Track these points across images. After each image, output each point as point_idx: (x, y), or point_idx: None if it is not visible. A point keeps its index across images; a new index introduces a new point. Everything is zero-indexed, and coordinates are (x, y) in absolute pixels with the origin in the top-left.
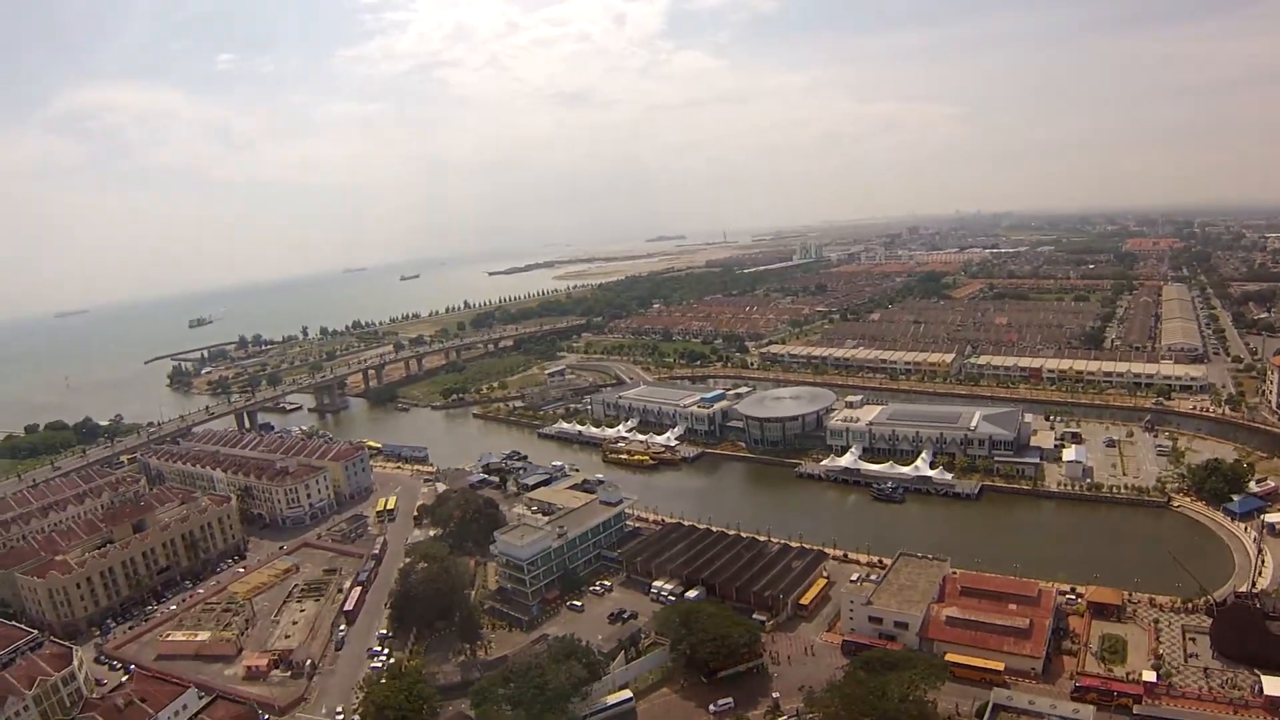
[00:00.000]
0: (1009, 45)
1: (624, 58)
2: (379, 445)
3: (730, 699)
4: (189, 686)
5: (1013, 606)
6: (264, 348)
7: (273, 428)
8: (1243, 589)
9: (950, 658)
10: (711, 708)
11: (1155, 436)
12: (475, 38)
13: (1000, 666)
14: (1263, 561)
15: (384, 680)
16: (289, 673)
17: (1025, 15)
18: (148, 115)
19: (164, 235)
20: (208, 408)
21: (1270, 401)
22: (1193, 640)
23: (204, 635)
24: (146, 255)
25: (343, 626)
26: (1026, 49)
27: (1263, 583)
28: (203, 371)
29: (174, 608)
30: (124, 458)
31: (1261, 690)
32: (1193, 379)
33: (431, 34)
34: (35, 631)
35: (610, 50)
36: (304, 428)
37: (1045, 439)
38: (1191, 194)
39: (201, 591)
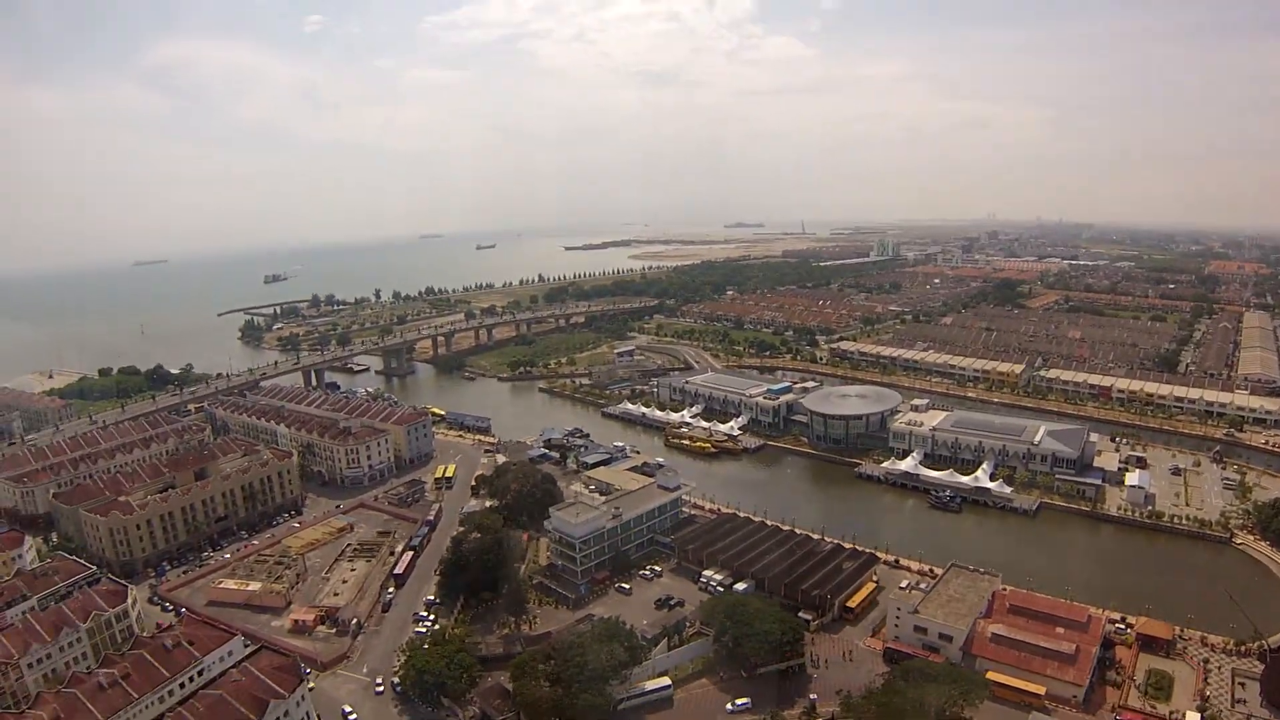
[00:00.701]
0: (1105, 48)
1: (712, 39)
2: (443, 412)
3: (748, 699)
4: (236, 634)
5: (1060, 630)
6: (336, 308)
7: (339, 387)
8: None
9: (992, 676)
10: (729, 707)
11: (1223, 469)
12: (564, 10)
13: (1042, 690)
14: None
15: (427, 646)
16: (334, 630)
17: (1125, 17)
18: (235, 72)
19: (245, 191)
20: (276, 363)
21: None
22: (1241, 685)
23: (255, 586)
24: (226, 210)
25: (391, 589)
26: (1124, 53)
27: None
28: (274, 327)
29: (228, 556)
30: (191, 406)
31: None
32: (1268, 412)
33: (520, 3)
34: (94, 568)
35: (699, 31)
36: (370, 389)
37: (1109, 460)
38: None
39: (256, 543)
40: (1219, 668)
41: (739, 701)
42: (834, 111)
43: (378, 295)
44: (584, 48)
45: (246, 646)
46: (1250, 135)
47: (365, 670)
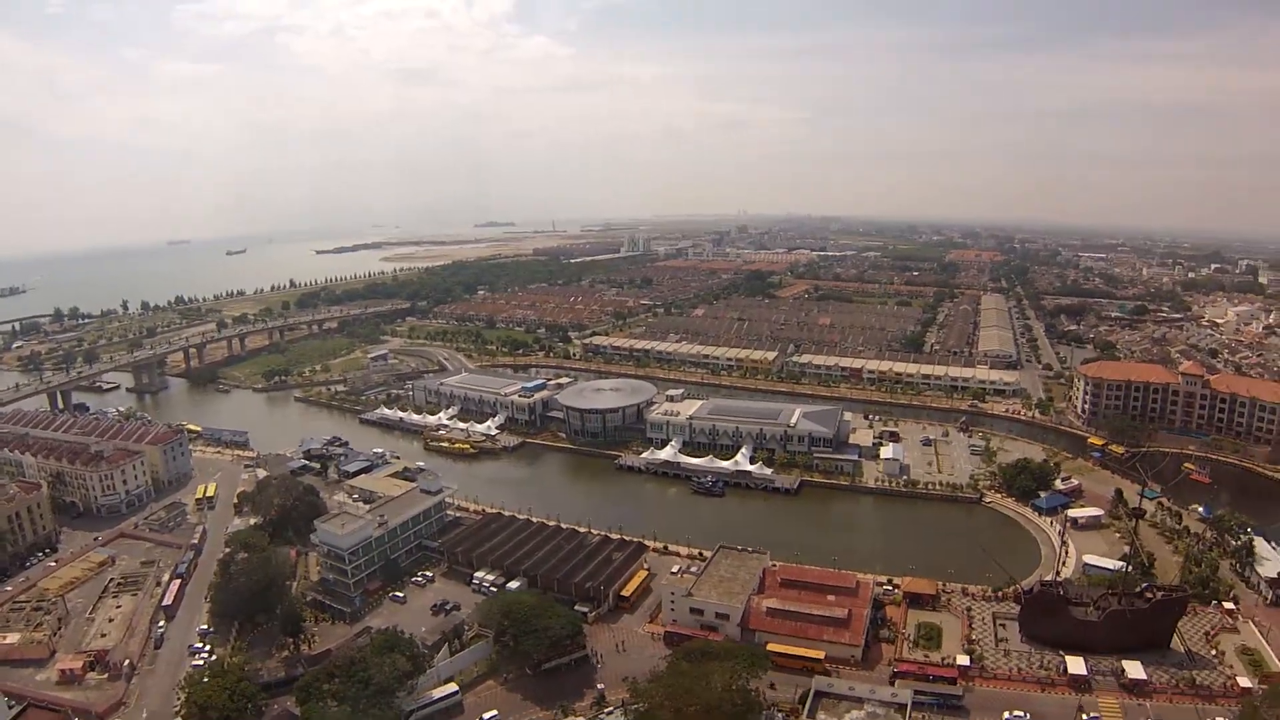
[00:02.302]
0: (854, 57)
1: (470, 38)
2: (199, 428)
3: (495, 711)
4: None
5: (831, 597)
6: (81, 322)
7: (88, 408)
8: (1048, 578)
9: (772, 647)
10: None
11: (969, 437)
12: (321, 3)
13: (821, 655)
14: (1066, 552)
15: (206, 679)
16: (106, 675)
17: (872, 30)
18: None
19: None
20: (18, 385)
21: (1076, 406)
22: (1003, 626)
23: (13, 637)
24: None
25: (162, 623)
26: (871, 62)
27: (1066, 572)
28: (13, 346)
29: None
30: None
31: (1066, 669)
32: (1006, 384)
33: None
34: None
35: (456, 29)
36: (121, 409)
37: (864, 437)
38: (1014, 212)
39: (9, 589)
40: (981, 614)
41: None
42: (590, 111)
43: (125, 306)
44: (342, 43)
45: (11, 707)
46: (987, 138)
47: (145, 715)
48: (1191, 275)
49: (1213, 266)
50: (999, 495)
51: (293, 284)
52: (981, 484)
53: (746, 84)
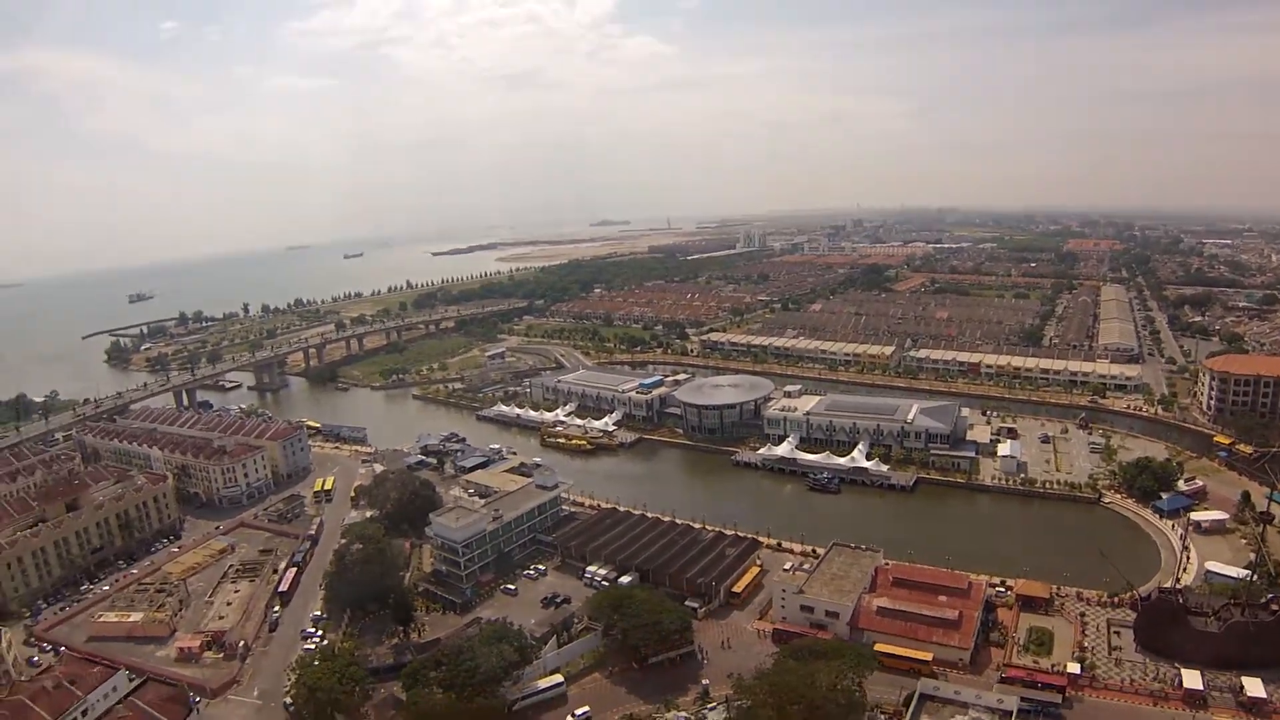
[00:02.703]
0: (962, 43)
1: (573, 40)
2: (318, 425)
3: (587, 707)
4: (119, 668)
5: (943, 598)
6: (204, 324)
7: (211, 406)
8: (1167, 585)
9: (879, 648)
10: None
11: (1089, 434)
12: (423, 15)
13: (928, 657)
14: (1187, 558)
15: (316, 662)
16: (221, 654)
17: (980, 13)
18: (86, 81)
19: (102, 206)
20: (146, 384)
21: (1201, 403)
22: (1117, 634)
23: (136, 616)
24: (83, 226)
25: (277, 608)
26: (980, 48)
27: (1186, 579)
28: (142, 348)
29: (107, 588)
30: (59, 435)
31: (1181, 683)
32: (1127, 379)
33: (380, 9)
34: None
35: (559, 32)
36: (243, 406)
37: (981, 434)
38: (1133, 198)
39: (135, 572)
40: (1095, 620)
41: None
42: (696, 109)
43: (246, 310)
44: (445, 53)
45: (131, 680)
46: (1104, 122)
47: (256, 693)
48: None
49: None
50: (1119, 495)
51: (409, 285)
52: (1100, 483)
53: (852, 76)
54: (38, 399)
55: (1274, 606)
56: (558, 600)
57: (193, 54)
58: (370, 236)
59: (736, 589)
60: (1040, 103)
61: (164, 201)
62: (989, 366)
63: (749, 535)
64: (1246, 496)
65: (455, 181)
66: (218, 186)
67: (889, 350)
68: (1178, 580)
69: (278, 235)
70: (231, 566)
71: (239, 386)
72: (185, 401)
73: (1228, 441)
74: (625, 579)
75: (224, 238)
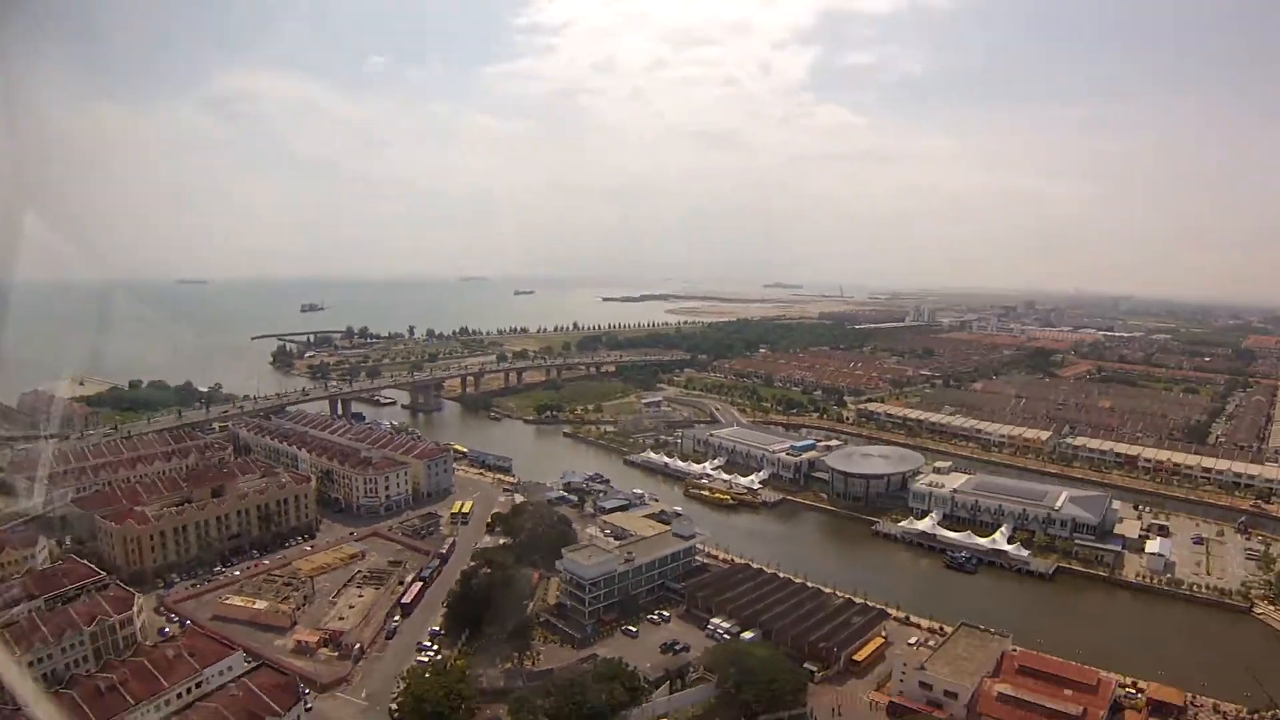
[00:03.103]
0: (1155, 125)
1: (765, 104)
2: (465, 450)
3: None
4: (237, 649)
5: (1068, 692)
6: (369, 341)
7: (364, 418)
8: None
9: None
10: None
11: (1247, 539)
12: (622, 70)
13: None
14: None
15: (428, 674)
16: (337, 653)
17: (1181, 99)
18: (294, 105)
19: (292, 220)
20: (305, 389)
21: None
22: None
23: (261, 604)
24: (272, 237)
25: (397, 617)
26: (1171, 132)
27: None
28: (306, 355)
29: (237, 574)
30: (216, 425)
31: None
32: None
33: (580, 60)
34: (104, 574)
35: (753, 96)
36: (394, 422)
37: (1131, 528)
38: None
39: (267, 563)
40: None
41: None
42: (881, 181)
43: (411, 331)
44: (639, 107)
45: (247, 663)
46: None
47: (364, 695)
48: None
49: None
50: (1272, 607)
51: (575, 326)
52: (1254, 592)
53: (1039, 157)
54: (202, 389)
55: None
56: (677, 648)
57: (395, 88)
58: (545, 275)
59: (857, 657)
60: (1232, 193)
61: (353, 222)
62: (1147, 460)
63: (878, 605)
64: None
65: (637, 231)
66: (408, 212)
67: (1045, 435)
68: None
69: (454, 264)
70: (359, 572)
71: (394, 404)
72: (339, 410)
73: None
74: (748, 634)
75: (403, 260)
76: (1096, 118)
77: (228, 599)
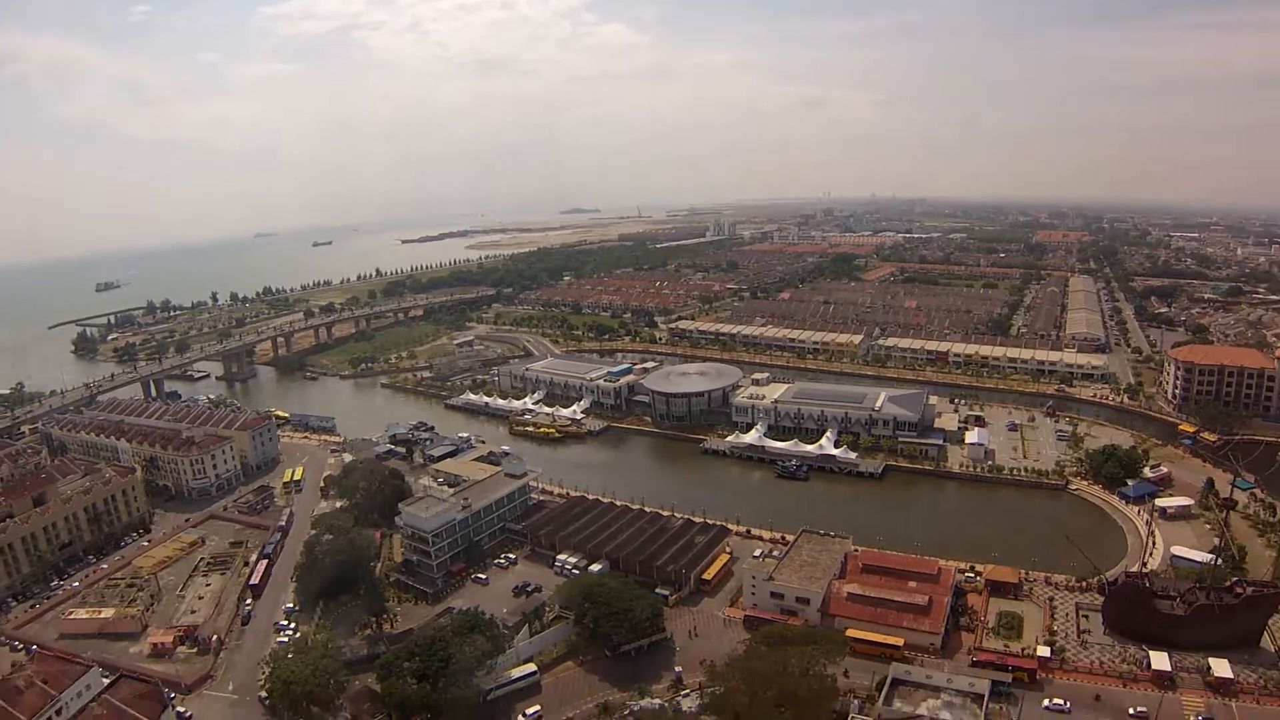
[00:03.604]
0: (933, 35)
1: (547, 27)
2: (286, 415)
3: (538, 707)
4: (92, 666)
5: (913, 584)
6: (172, 314)
7: (179, 396)
8: (1134, 569)
9: (851, 633)
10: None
11: (1056, 422)
12: (398, 1)
13: (900, 642)
14: (1153, 543)
15: (290, 655)
16: (195, 649)
17: (958, 6)
18: (55, 66)
19: (70, 192)
20: (113, 375)
21: (1166, 392)
22: (1085, 617)
23: (108, 612)
24: (51, 213)
25: (249, 600)
26: (951, 42)
27: (1153, 563)
28: (109, 338)
29: (77, 584)
30: (25, 428)
31: (1149, 665)
32: (1094, 368)
33: None
34: None
35: (533, 19)
36: (211, 396)
37: (949, 421)
38: (1102, 192)
39: (105, 567)
40: (1064, 604)
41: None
42: (669, 97)
43: (215, 298)
44: (418, 39)
45: (105, 677)
46: (1072, 116)
47: (231, 688)
48: None
49: None
50: (1085, 482)
51: (379, 273)
52: (1067, 470)
53: (824, 68)
54: (3, 391)
55: (1238, 590)
56: (529, 589)
57: (164, 38)
58: (340, 224)
59: (706, 576)
60: (1013, 97)
61: (135, 188)
62: (957, 355)
63: (718, 523)
64: (1210, 483)
65: (427, 168)
66: (191, 173)
67: (857, 339)
68: (1144, 565)
69: (248, 223)
70: (202, 559)
71: (207, 376)
72: (153, 392)
73: (1192, 430)
74: (595, 567)
75: (194, 224)
76: (876, 27)
77: (71, 613)
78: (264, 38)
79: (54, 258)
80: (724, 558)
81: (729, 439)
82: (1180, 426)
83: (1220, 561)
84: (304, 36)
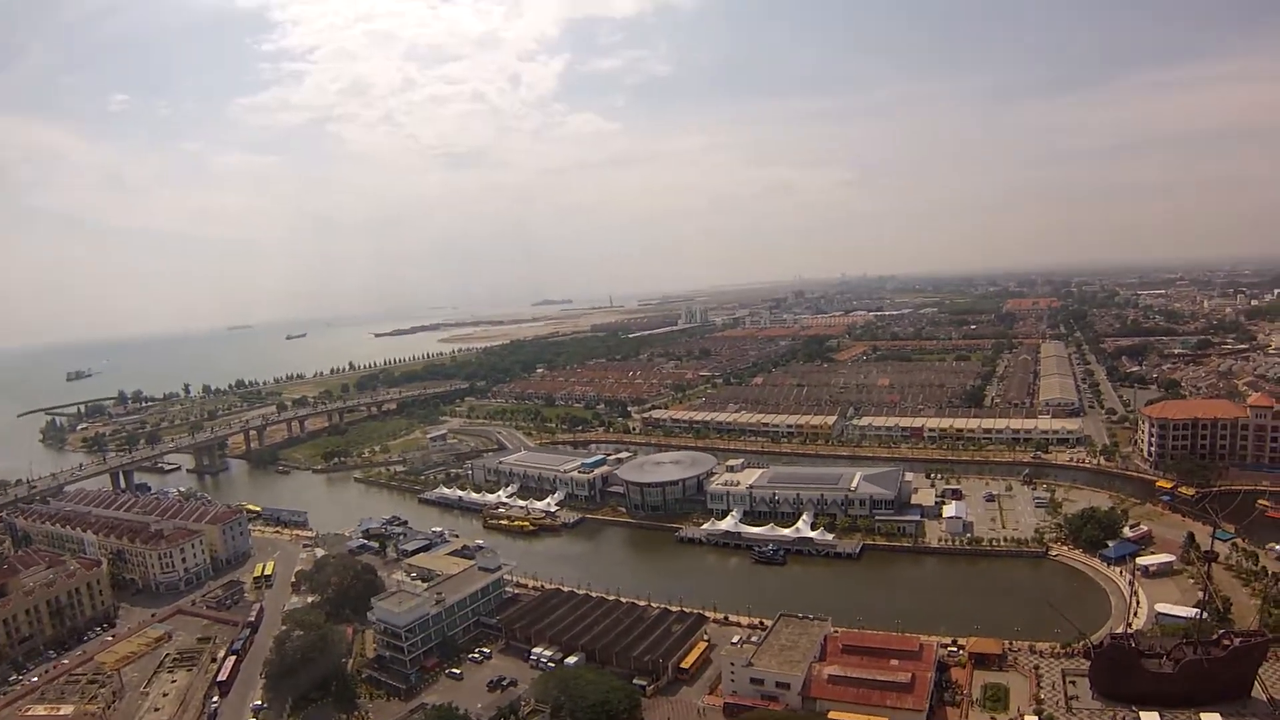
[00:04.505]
0: (899, 113)
1: (517, 119)
2: (258, 509)
3: None
4: None
5: (895, 662)
6: (144, 405)
7: (149, 488)
8: (1119, 630)
9: (833, 715)
10: None
11: (1034, 489)
12: (371, 93)
13: None
14: (1137, 602)
15: None
16: None
17: (914, 85)
18: (36, 153)
19: (45, 281)
20: (82, 465)
21: (1142, 450)
22: (1073, 683)
23: (67, 709)
24: (26, 301)
25: (215, 698)
26: (915, 118)
27: (1137, 623)
28: (79, 427)
29: (35, 679)
30: None
31: None
32: (1069, 432)
33: (328, 86)
34: None
35: (504, 110)
36: (182, 489)
37: (926, 496)
38: (1069, 256)
39: (66, 662)
40: (1050, 671)
41: None
42: (642, 185)
43: (187, 390)
44: (391, 130)
45: None
46: (1037, 183)
47: None
48: (1255, 303)
49: (1276, 292)
50: (1065, 547)
51: (352, 367)
52: (1047, 537)
53: (794, 149)
54: None
55: (1225, 642)
56: (504, 683)
57: (143, 127)
58: (315, 317)
59: (685, 665)
60: (978, 169)
61: (111, 277)
62: (932, 430)
63: (694, 611)
64: (1191, 537)
65: (401, 261)
66: (169, 262)
67: (831, 420)
68: (1129, 625)
69: (223, 314)
70: (168, 655)
71: (178, 469)
72: (122, 484)
73: (1170, 485)
74: (571, 659)
75: (168, 315)
76: (843, 107)
77: (28, 710)
78: (240, 128)
79: (26, 346)
80: (702, 645)
81: (704, 526)
82: (1158, 483)
83: (1205, 615)
84: (280, 127)
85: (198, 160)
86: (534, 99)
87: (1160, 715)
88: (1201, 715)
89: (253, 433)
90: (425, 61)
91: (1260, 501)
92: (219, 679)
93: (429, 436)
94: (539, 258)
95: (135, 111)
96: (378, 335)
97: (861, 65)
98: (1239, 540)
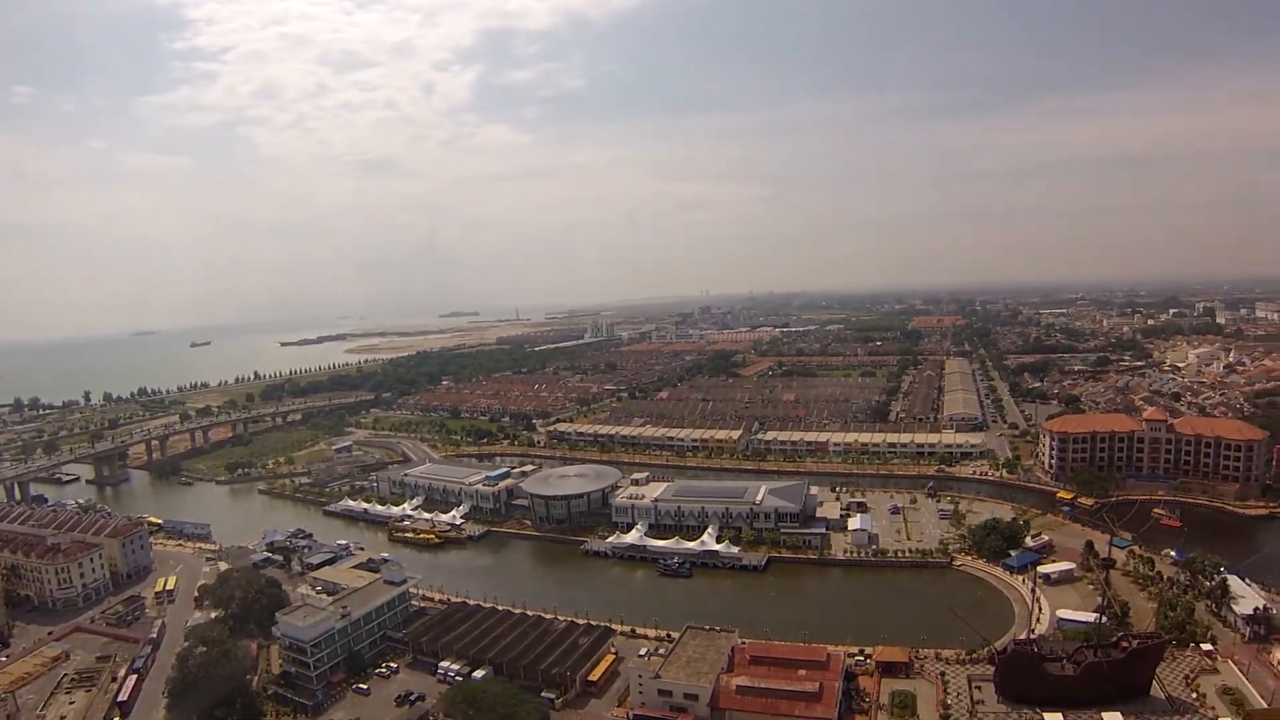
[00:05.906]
0: (811, 131)
1: (430, 128)
2: (160, 521)
3: None
4: None
5: (802, 672)
6: (41, 412)
7: (46, 500)
8: (1022, 636)
9: None
10: None
11: (938, 501)
12: (283, 96)
13: None
14: (1039, 609)
15: None
16: None
17: (827, 104)
18: None
19: None
20: None
21: (1043, 463)
22: (978, 689)
23: None
24: None
25: (116, 719)
26: (827, 136)
27: (1040, 628)
28: None
29: None
30: None
31: None
32: (972, 446)
33: (240, 88)
34: None
35: (416, 119)
36: (81, 500)
37: (831, 509)
38: (974, 275)
39: None
40: (956, 677)
41: None
42: (552, 198)
43: (87, 398)
44: (302, 135)
45: None
46: (944, 204)
47: None
48: (1151, 322)
49: (1171, 311)
50: (969, 557)
51: (257, 376)
52: (951, 548)
53: (705, 164)
54: None
55: (1124, 644)
56: (412, 698)
57: (48, 122)
58: (222, 323)
59: (593, 677)
60: (884, 187)
61: (9, 278)
62: (836, 444)
63: (601, 624)
64: (1090, 545)
65: (311, 268)
66: (67, 264)
67: (736, 434)
68: (1032, 631)
69: (125, 319)
70: (66, 676)
71: (77, 480)
72: (17, 495)
73: (1069, 496)
74: (479, 673)
75: (69, 319)
76: (757, 124)
77: None
78: (150, 127)
79: None
80: (609, 658)
81: (610, 540)
82: (1058, 494)
83: (1105, 619)
84: (191, 128)
85: (105, 158)
86: (446, 109)
87: (1064, 716)
88: (1103, 715)
89: (155, 443)
90: (338, 67)
91: (1155, 510)
92: (120, 699)
93: (334, 448)
94: (448, 268)
95: (39, 105)
96: (284, 344)
97: (773, 84)
98: (1136, 547)
